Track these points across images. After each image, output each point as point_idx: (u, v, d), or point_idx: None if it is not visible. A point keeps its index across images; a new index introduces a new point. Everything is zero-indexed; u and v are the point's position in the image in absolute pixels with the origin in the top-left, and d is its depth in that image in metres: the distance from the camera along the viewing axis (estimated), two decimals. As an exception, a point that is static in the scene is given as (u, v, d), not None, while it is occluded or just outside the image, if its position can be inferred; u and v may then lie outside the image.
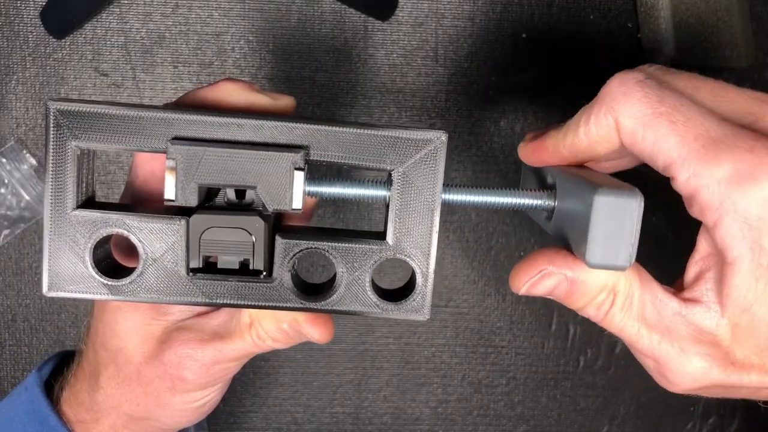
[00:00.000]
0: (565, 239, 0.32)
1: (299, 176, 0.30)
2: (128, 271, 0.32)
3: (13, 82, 0.51)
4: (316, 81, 0.52)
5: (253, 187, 0.30)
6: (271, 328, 0.35)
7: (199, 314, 0.36)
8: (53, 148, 0.30)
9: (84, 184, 0.31)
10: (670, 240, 0.53)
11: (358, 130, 0.31)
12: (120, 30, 0.51)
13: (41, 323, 0.54)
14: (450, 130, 0.54)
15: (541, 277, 0.31)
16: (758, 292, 0.29)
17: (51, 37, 0.51)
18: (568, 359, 0.57)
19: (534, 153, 0.36)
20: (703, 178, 0.29)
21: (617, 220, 0.29)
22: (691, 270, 0.31)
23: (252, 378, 0.56)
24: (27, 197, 0.52)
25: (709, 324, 0.30)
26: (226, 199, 0.31)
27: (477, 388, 0.57)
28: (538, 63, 0.53)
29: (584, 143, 0.32)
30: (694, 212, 0.30)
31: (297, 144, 0.30)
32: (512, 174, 0.55)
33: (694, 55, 0.52)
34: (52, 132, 0.30)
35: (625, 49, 0.54)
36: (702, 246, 0.31)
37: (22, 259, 0.53)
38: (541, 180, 0.38)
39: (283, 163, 0.30)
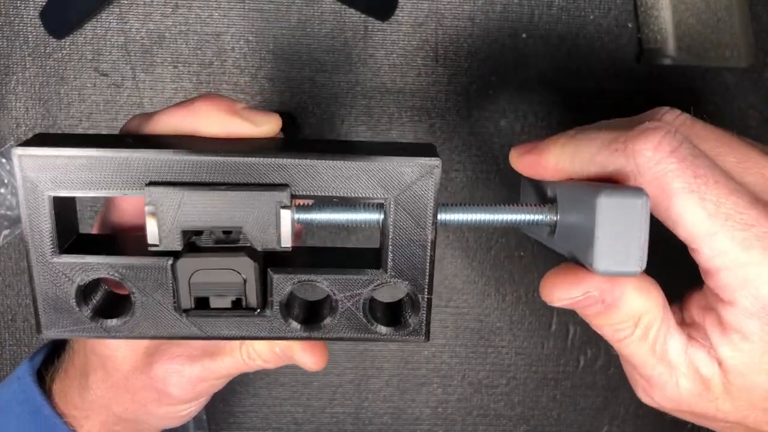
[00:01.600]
0: (571, 253, 0.31)
1: (286, 215, 0.29)
2: (125, 301, 0.31)
3: (13, 82, 0.51)
4: (316, 81, 0.52)
5: (239, 229, 0.29)
6: (264, 350, 0.35)
7: None
8: (25, 198, 0.29)
9: (65, 227, 0.30)
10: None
11: (345, 163, 0.29)
12: (120, 30, 0.51)
13: (41, 323, 0.54)
14: (450, 130, 0.54)
15: (585, 298, 0.30)
16: (761, 365, 0.29)
17: (51, 37, 0.51)
18: (568, 359, 0.57)
19: (532, 167, 0.34)
20: (729, 260, 0.28)
21: (623, 222, 0.28)
22: (694, 308, 0.31)
23: (252, 378, 0.56)
24: (27, 197, 0.52)
25: (707, 372, 0.30)
26: (212, 237, 0.30)
27: (477, 388, 0.57)
28: (538, 63, 0.53)
29: (594, 173, 0.31)
30: (710, 283, 0.30)
31: (282, 180, 0.29)
32: (512, 174, 0.54)
33: (694, 55, 0.52)
34: (20, 182, 0.28)
35: (625, 49, 0.54)
36: (710, 294, 0.31)
37: (22, 259, 0.53)
38: (540, 192, 0.37)
39: (268, 203, 0.28)
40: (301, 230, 0.36)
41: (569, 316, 0.56)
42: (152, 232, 0.28)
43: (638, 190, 0.28)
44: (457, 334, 0.56)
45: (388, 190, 0.29)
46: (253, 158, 0.29)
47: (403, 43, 0.53)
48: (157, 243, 0.29)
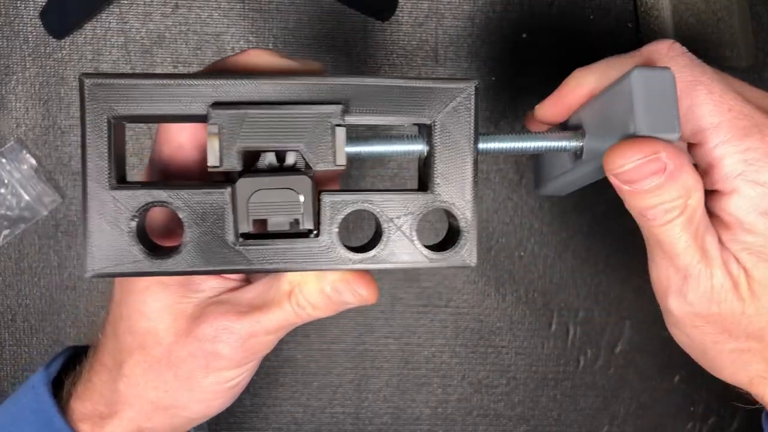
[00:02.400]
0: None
1: (341, 132, 0.30)
2: (165, 251, 0.31)
3: (13, 82, 0.51)
4: (316, 81, 0.52)
5: (296, 148, 0.30)
6: (313, 292, 0.33)
7: (233, 288, 0.35)
8: (90, 122, 0.30)
9: (119, 162, 0.31)
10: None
11: (395, 81, 0.31)
12: (120, 30, 0.51)
13: (41, 323, 0.54)
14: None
15: (650, 161, 0.31)
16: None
17: (51, 37, 0.51)
18: (568, 359, 0.57)
19: (557, 103, 0.37)
20: (731, 147, 0.31)
21: (658, 91, 0.30)
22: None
23: (252, 378, 0.56)
24: (27, 197, 0.52)
25: (734, 269, 0.33)
26: (266, 164, 0.31)
27: (477, 388, 0.57)
28: (538, 63, 0.53)
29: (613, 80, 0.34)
30: (709, 182, 0.32)
31: (336, 100, 0.30)
32: (512, 174, 0.55)
33: (694, 55, 0.52)
34: (87, 105, 0.29)
35: (625, 49, 0.54)
36: (711, 198, 0.33)
37: (22, 259, 0.53)
38: (559, 165, 0.39)
39: (324, 121, 0.30)
40: (338, 177, 0.37)
41: (569, 316, 0.56)
42: (213, 152, 0.29)
43: (665, 67, 0.31)
44: (457, 334, 0.56)
45: (435, 112, 0.32)
46: (310, 79, 0.31)
47: (403, 43, 0.53)
48: (218, 164, 0.30)
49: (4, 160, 0.51)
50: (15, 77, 0.51)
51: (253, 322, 0.34)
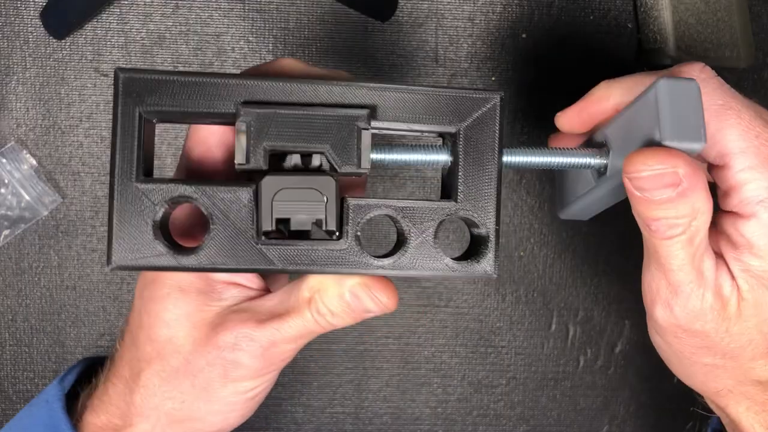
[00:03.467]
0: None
1: (367, 136, 0.30)
2: (187, 250, 0.32)
3: (13, 82, 0.51)
4: (316, 81, 0.52)
5: (322, 150, 0.31)
6: (333, 299, 0.33)
7: (253, 297, 0.35)
8: (122, 115, 0.30)
9: (147, 157, 0.31)
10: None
11: (422, 89, 0.31)
12: (120, 30, 0.51)
13: (41, 323, 0.54)
14: (450, 130, 0.54)
15: (667, 174, 0.31)
16: None
17: (51, 37, 0.51)
18: (568, 359, 0.57)
19: (580, 113, 0.37)
20: (756, 173, 0.32)
21: (683, 101, 0.30)
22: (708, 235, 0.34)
23: (252, 378, 0.56)
24: (27, 197, 0.52)
25: (727, 292, 0.33)
26: (292, 164, 0.31)
27: (477, 388, 0.57)
28: (538, 63, 0.53)
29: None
30: (728, 203, 0.33)
31: (363, 104, 0.31)
32: (512, 173, 0.55)
33: (694, 55, 0.52)
34: (120, 99, 0.30)
35: (625, 49, 0.54)
36: (725, 218, 0.34)
37: (22, 259, 0.53)
38: (583, 182, 0.39)
39: (351, 124, 0.30)
40: (364, 183, 0.37)
41: (569, 316, 0.56)
42: (241, 149, 0.30)
43: (690, 78, 0.31)
44: (457, 334, 0.56)
45: (460, 121, 0.32)
46: (339, 84, 0.31)
47: (403, 43, 0.53)
48: (245, 161, 0.30)
49: (4, 160, 0.51)
50: (15, 77, 0.51)
51: (273, 330, 0.34)
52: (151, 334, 0.34)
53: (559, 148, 0.35)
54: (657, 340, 0.37)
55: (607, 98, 0.36)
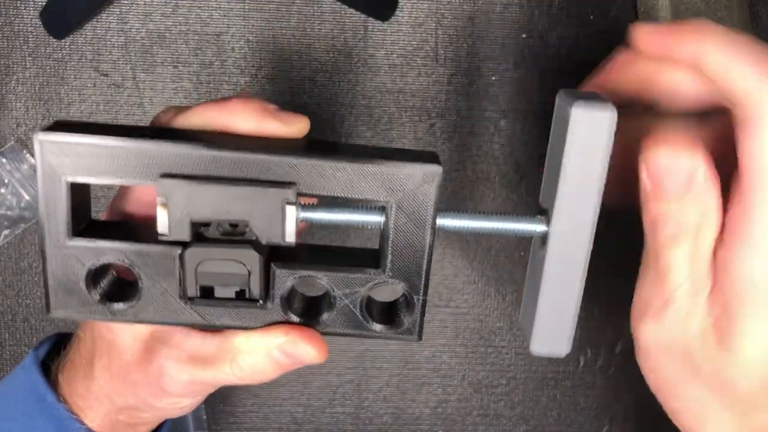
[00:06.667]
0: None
1: (291, 210, 0.30)
2: (131, 286, 0.32)
3: (13, 82, 0.51)
4: (316, 81, 0.52)
5: (246, 223, 0.30)
6: (259, 359, 0.34)
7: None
8: (43, 181, 0.30)
9: (79, 212, 0.31)
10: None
11: (350, 165, 0.30)
12: (120, 30, 0.51)
13: (41, 323, 0.54)
14: (450, 130, 0.54)
15: (684, 171, 0.29)
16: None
17: (51, 37, 0.51)
18: (568, 359, 0.57)
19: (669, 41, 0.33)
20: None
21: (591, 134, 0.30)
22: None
23: (252, 378, 0.56)
24: (27, 197, 0.52)
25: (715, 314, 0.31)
26: (220, 229, 0.31)
27: (477, 388, 0.57)
28: (538, 63, 0.53)
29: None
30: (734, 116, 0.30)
31: (289, 180, 0.30)
32: (512, 173, 0.55)
33: (694, 55, 0.52)
34: (40, 166, 0.30)
35: (625, 49, 0.54)
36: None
37: (22, 259, 0.53)
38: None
39: (274, 199, 0.30)
40: (303, 229, 0.36)
41: (569, 316, 0.56)
42: (162, 222, 0.30)
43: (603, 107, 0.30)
44: (457, 334, 0.56)
45: (390, 194, 0.31)
46: (263, 155, 0.30)
47: (403, 43, 0.53)
48: (167, 233, 0.30)
49: (4, 160, 0.51)
50: (15, 77, 0.51)
51: (191, 375, 0.34)
52: (101, 333, 0.36)
53: (495, 214, 0.33)
54: (644, 365, 0.35)
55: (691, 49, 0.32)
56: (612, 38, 0.55)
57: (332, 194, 0.30)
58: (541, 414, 0.58)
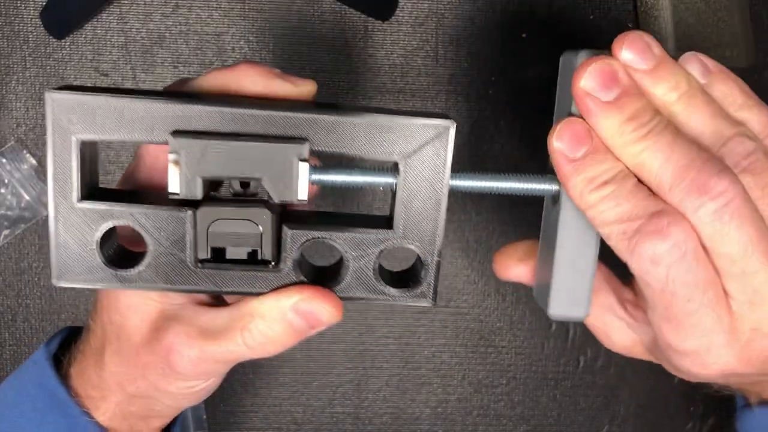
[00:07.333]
0: None
1: (304, 167, 0.30)
2: (137, 257, 0.32)
3: (13, 82, 0.51)
4: (316, 81, 0.52)
5: (258, 180, 0.30)
6: (273, 323, 0.32)
7: (198, 302, 0.35)
8: (53, 140, 0.29)
9: (88, 174, 0.31)
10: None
11: (362, 119, 0.30)
12: (120, 30, 0.51)
13: (41, 323, 0.54)
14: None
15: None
16: None
17: (51, 37, 0.51)
18: (568, 359, 0.57)
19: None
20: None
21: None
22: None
23: (252, 378, 0.56)
24: (27, 197, 0.52)
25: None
26: (231, 190, 0.31)
27: (477, 388, 0.57)
28: (538, 63, 0.53)
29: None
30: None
31: (301, 135, 0.30)
32: (512, 170, 0.54)
33: (694, 55, 0.52)
34: (51, 124, 0.29)
35: (625, 49, 0.54)
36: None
37: (22, 259, 0.53)
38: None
39: (287, 155, 0.29)
40: (314, 194, 0.36)
41: (569, 316, 0.56)
42: (174, 180, 0.29)
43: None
44: (457, 334, 0.56)
45: (402, 150, 0.30)
46: (275, 112, 0.30)
47: (403, 43, 0.53)
48: (178, 191, 0.29)
49: (4, 160, 0.51)
50: (15, 77, 0.51)
51: (201, 350, 0.33)
52: (110, 317, 0.35)
53: (508, 174, 0.34)
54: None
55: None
56: (612, 38, 0.55)
57: (344, 152, 0.30)
58: (541, 414, 0.58)
